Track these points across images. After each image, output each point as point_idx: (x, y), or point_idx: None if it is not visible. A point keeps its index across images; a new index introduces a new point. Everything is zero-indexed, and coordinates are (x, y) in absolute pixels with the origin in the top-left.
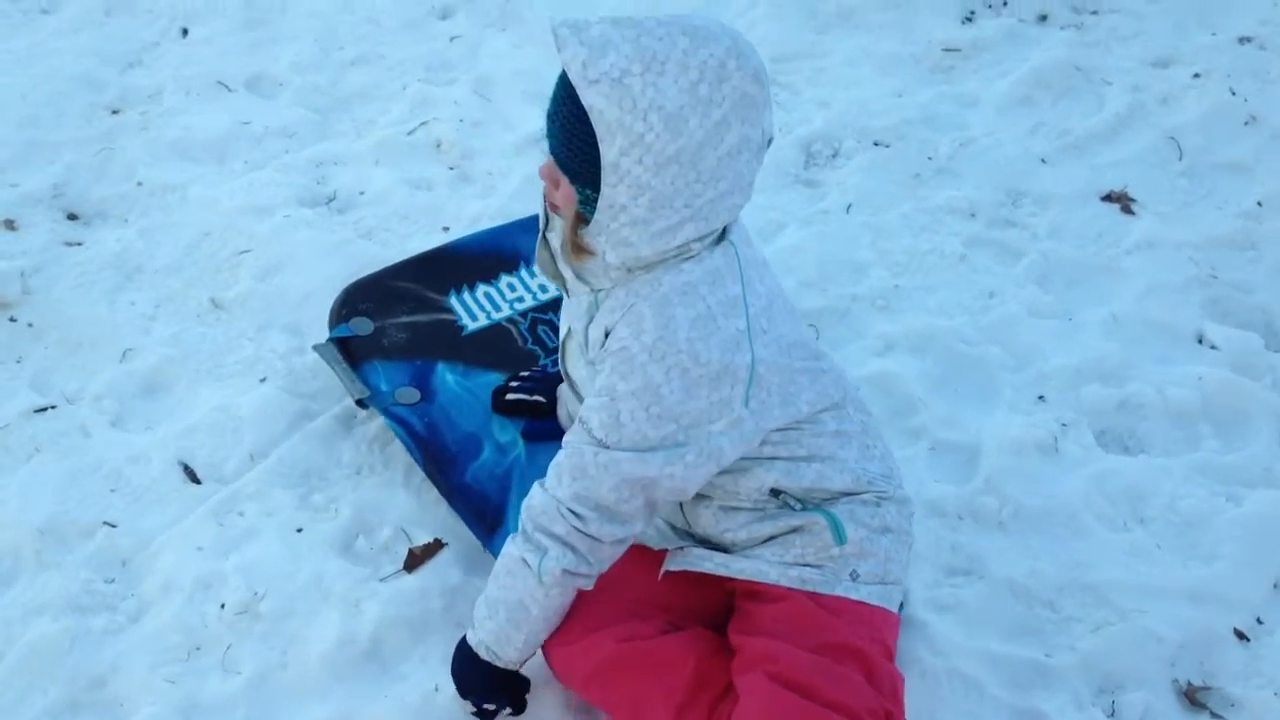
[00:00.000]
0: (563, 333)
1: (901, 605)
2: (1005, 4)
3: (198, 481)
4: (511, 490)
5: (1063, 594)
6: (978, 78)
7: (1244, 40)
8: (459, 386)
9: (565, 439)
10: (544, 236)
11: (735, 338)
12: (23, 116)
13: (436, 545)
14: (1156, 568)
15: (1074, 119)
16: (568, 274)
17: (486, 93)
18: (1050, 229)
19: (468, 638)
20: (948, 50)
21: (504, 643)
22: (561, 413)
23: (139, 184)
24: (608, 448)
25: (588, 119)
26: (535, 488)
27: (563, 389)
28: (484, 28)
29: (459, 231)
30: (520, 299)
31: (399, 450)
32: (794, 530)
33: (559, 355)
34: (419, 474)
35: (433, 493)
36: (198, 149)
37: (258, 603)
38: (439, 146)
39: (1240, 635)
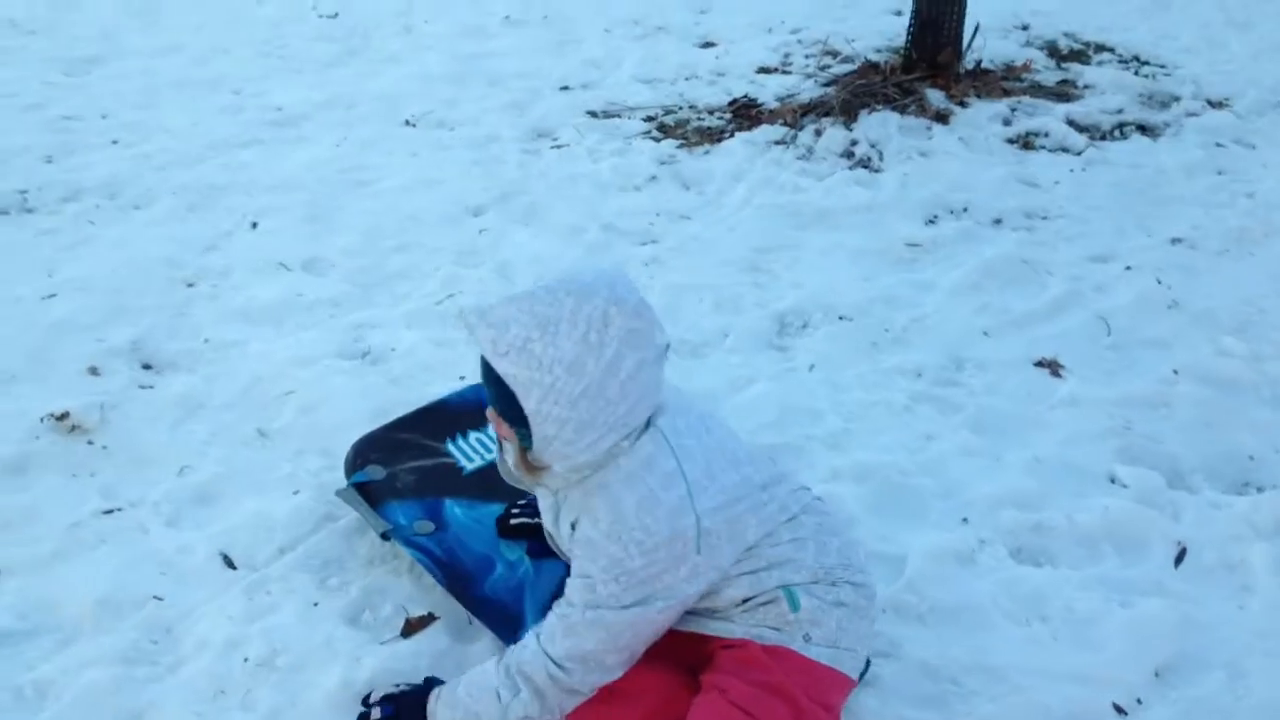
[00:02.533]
0: (547, 526)
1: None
2: (965, 210)
3: (234, 568)
4: (525, 599)
5: (967, 673)
6: (935, 268)
7: (1175, 241)
8: (466, 517)
9: (554, 608)
10: (502, 459)
11: (678, 505)
12: (111, 287)
13: (430, 618)
14: (1050, 654)
15: (1017, 301)
16: (528, 482)
17: (507, 274)
18: (987, 388)
19: (430, 700)
20: (910, 245)
21: None
22: None
23: (205, 341)
24: (592, 609)
25: (505, 382)
26: (530, 638)
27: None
28: (509, 223)
29: (473, 381)
30: None
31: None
32: (762, 603)
33: (549, 540)
34: (419, 568)
35: (430, 578)
36: (257, 314)
37: (275, 658)
38: (461, 314)
39: (1119, 709)
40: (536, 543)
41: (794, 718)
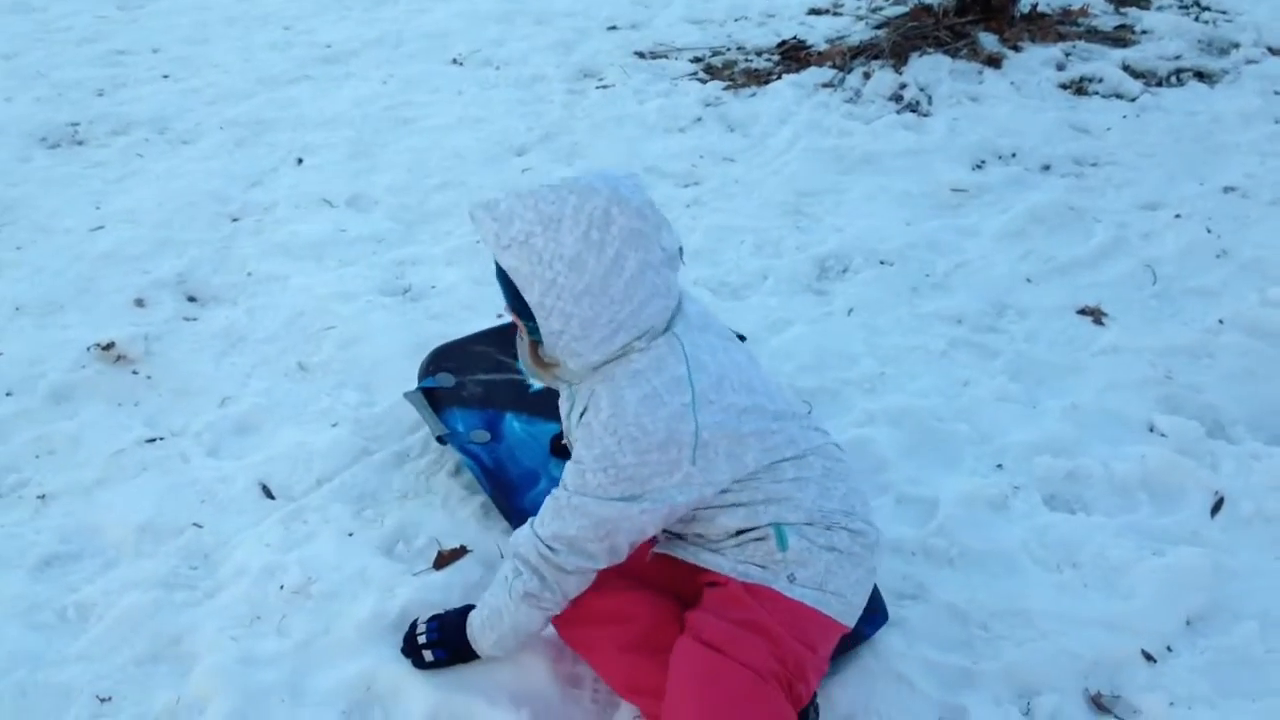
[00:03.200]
0: (563, 421)
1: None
2: (1014, 155)
3: (272, 497)
4: None
5: (995, 618)
6: (980, 213)
7: (1228, 189)
8: (524, 432)
9: (551, 493)
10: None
11: (680, 410)
12: (158, 220)
13: (462, 550)
14: (1081, 601)
15: (1061, 248)
16: (548, 378)
17: None
18: (1027, 335)
19: (470, 614)
20: (956, 190)
21: (480, 635)
22: None
23: (249, 275)
24: (579, 495)
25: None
26: (526, 524)
27: None
28: (551, 163)
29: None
30: None
31: (440, 481)
32: (754, 539)
33: (565, 438)
34: (455, 498)
35: (464, 511)
36: (300, 249)
37: (310, 586)
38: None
39: (1148, 657)
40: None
41: (771, 652)
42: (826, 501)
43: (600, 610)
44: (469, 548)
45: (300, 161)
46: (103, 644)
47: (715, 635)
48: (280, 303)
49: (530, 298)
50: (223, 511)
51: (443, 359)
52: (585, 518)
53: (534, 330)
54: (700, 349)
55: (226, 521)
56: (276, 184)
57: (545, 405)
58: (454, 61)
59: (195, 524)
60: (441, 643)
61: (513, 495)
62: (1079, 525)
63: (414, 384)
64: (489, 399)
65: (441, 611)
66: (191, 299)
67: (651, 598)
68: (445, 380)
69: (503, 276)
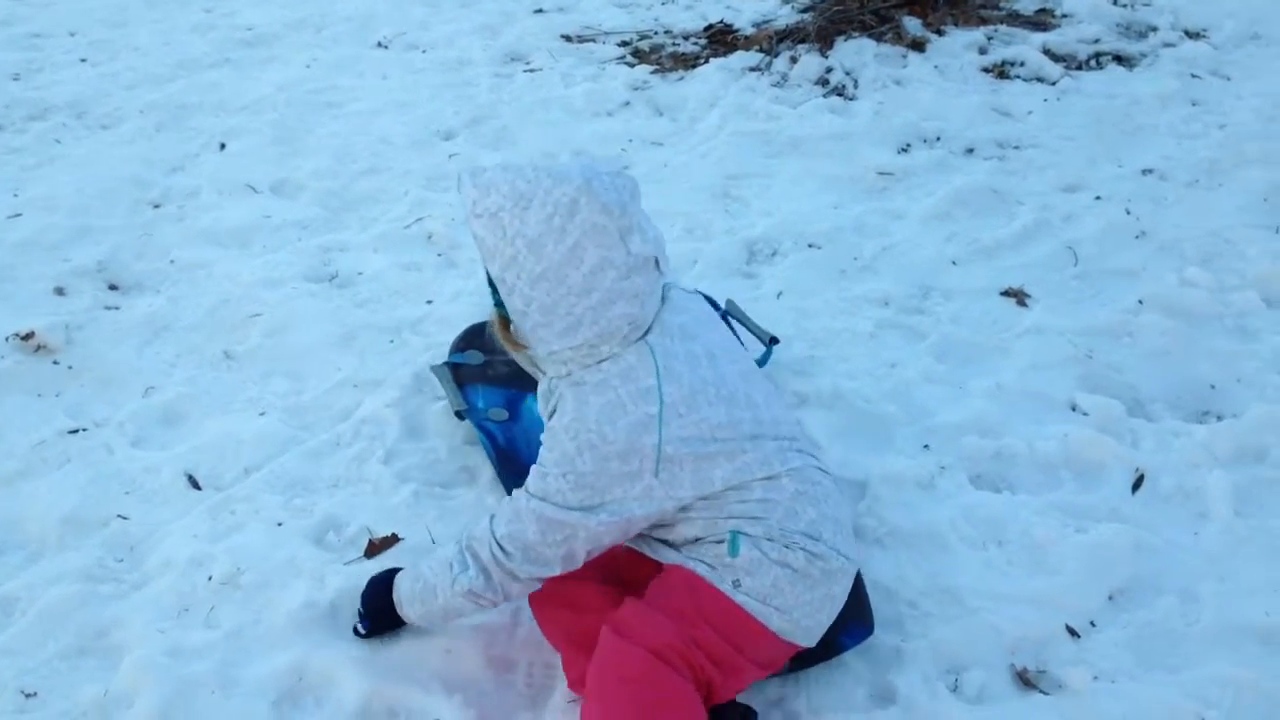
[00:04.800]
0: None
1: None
2: (938, 139)
3: (199, 488)
4: None
5: (923, 596)
6: (906, 197)
7: (1146, 171)
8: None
9: (512, 493)
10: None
11: (644, 421)
12: (76, 206)
13: (393, 539)
14: (1006, 578)
15: (985, 231)
16: (530, 365)
17: None
18: (953, 316)
19: (396, 575)
20: (882, 174)
21: (408, 604)
22: None
23: (171, 262)
24: (538, 499)
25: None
26: (485, 518)
27: None
28: (479, 148)
29: (441, 305)
30: None
31: (372, 469)
32: (710, 542)
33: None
34: (386, 486)
35: (396, 498)
36: (224, 236)
37: (239, 576)
38: (430, 238)
39: (1072, 632)
40: None
41: (681, 635)
42: (791, 523)
43: (560, 592)
44: (400, 536)
45: (223, 147)
46: (27, 638)
47: (625, 615)
48: (204, 290)
49: (493, 270)
50: (148, 503)
51: (475, 336)
52: (542, 522)
53: (500, 305)
54: (676, 359)
55: (152, 513)
56: (199, 169)
57: None
58: (379, 45)
59: (120, 515)
60: (365, 612)
61: (520, 477)
62: (1005, 504)
63: (343, 370)
64: (514, 379)
65: None
66: (113, 287)
67: (610, 593)
68: (474, 357)
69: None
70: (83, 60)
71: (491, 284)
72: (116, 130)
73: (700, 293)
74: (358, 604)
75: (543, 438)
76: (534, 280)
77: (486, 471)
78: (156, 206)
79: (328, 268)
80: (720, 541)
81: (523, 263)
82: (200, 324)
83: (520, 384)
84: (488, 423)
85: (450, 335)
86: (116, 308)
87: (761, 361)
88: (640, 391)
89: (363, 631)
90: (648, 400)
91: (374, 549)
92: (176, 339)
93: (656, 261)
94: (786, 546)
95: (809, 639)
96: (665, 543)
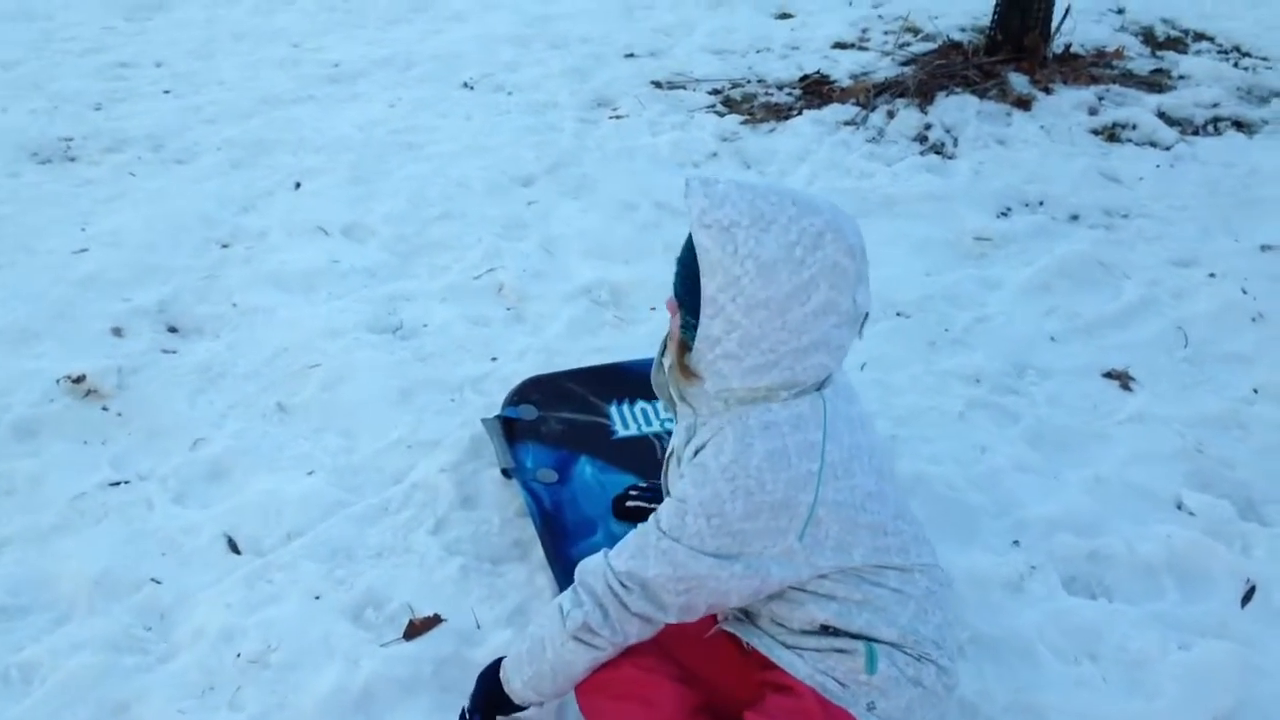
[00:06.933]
0: (668, 452)
1: None
2: (1041, 203)
3: (238, 552)
4: None
5: (1006, 713)
6: (1004, 264)
7: (1265, 248)
8: (594, 479)
9: (639, 526)
10: (660, 361)
11: (804, 477)
12: (143, 243)
13: (435, 620)
14: (1099, 697)
15: (1088, 305)
16: (675, 395)
17: (552, 249)
18: (1049, 398)
19: (504, 657)
20: (979, 239)
21: (515, 670)
22: None
23: (234, 305)
24: (671, 539)
25: (696, 255)
26: (599, 553)
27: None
28: (558, 196)
29: (506, 363)
30: (671, 420)
31: (420, 539)
32: (835, 649)
33: (662, 472)
34: (433, 558)
35: (442, 573)
36: (290, 280)
37: (269, 654)
38: (500, 290)
39: None
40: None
41: None
42: (922, 626)
43: (620, 682)
44: (443, 617)
45: (298, 186)
46: (44, 709)
47: None
48: (264, 337)
49: (707, 288)
50: (184, 566)
51: (531, 390)
52: (670, 565)
53: (690, 328)
54: (839, 419)
55: (187, 577)
56: (271, 209)
57: (624, 454)
58: (465, 85)
59: (154, 579)
60: (473, 707)
61: (563, 542)
62: (1100, 612)
63: (398, 429)
64: (567, 439)
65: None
66: (172, 329)
67: (679, 685)
68: (528, 412)
69: (685, 260)
70: (166, 92)
71: (684, 300)
72: (193, 165)
73: None
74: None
75: (685, 471)
76: (750, 307)
77: (539, 547)
78: (225, 246)
79: (392, 317)
80: (849, 651)
81: (745, 286)
82: (256, 372)
83: (573, 444)
84: (535, 484)
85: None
86: (174, 351)
87: None
88: (806, 445)
89: None
90: (810, 455)
91: (414, 630)
92: (230, 388)
93: (866, 318)
94: (918, 659)
95: None
96: (784, 641)
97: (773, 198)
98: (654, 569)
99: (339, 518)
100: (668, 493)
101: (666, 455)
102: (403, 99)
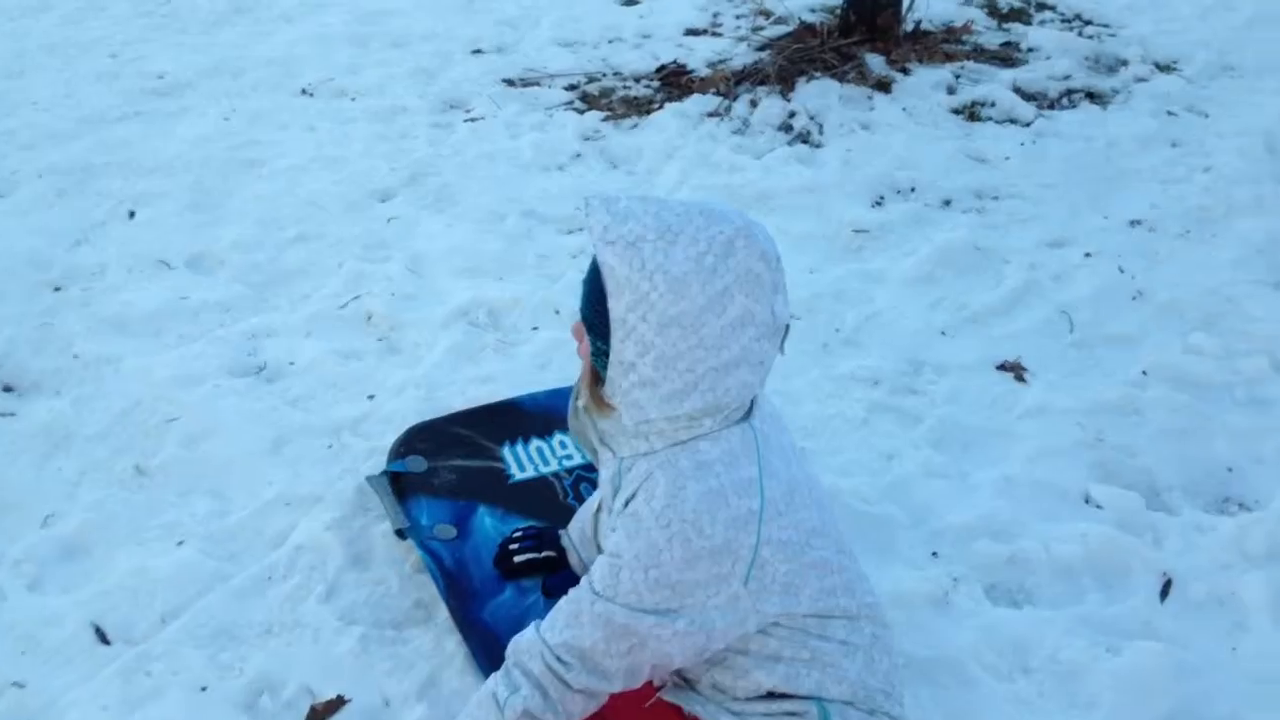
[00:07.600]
0: (595, 507)
1: None
2: (913, 190)
3: (108, 643)
4: None
5: None
6: (884, 256)
7: (1134, 223)
8: (495, 530)
9: (567, 593)
10: (575, 406)
11: (745, 517)
12: None
13: (339, 702)
14: (1038, 714)
15: (972, 294)
16: (594, 440)
17: (419, 269)
18: (948, 395)
19: None
20: (857, 231)
21: None
22: (574, 559)
23: (75, 356)
24: (605, 600)
25: (602, 275)
26: (529, 627)
27: (572, 534)
28: (420, 209)
29: (385, 401)
30: (569, 456)
31: (310, 609)
32: (785, 713)
33: (592, 529)
34: (329, 630)
35: (340, 646)
36: (135, 323)
37: None
38: (369, 319)
39: None
40: (555, 577)
41: None
42: (870, 677)
43: None
44: (346, 697)
45: (132, 215)
46: None
47: None
48: (112, 390)
49: (616, 308)
50: (48, 663)
51: (416, 440)
52: (607, 628)
53: (601, 354)
54: (772, 451)
55: (54, 677)
56: (105, 242)
57: (524, 499)
58: (303, 92)
59: (15, 683)
60: None
61: (471, 604)
62: (1027, 621)
63: (274, 485)
64: (461, 489)
65: None
66: (7, 389)
67: None
68: (417, 464)
69: (590, 281)
70: None
71: (592, 324)
72: (11, 198)
73: None
74: None
75: (617, 523)
76: (663, 325)
77: (445, 607)
78: (57, 289)
79: (253, 358)
80: (798, 713)
81: (655, 302)
82: (107, 432)
83: (469, 494)
84: (433, 542)
85: (396, 437)
86: (12, 414)
87: None
88: (742, 482)
89: None
90: (749, 493)
91: (316, 716)
92: (80, 451)
93: (787, 330)
94: (870, 713)
95: None
96: (729, 707)
97: (678, 209)
98: (589, 636)
99: (218, 593)
100: (599, 548)
101: (594, 510)
102: (237, 110)
